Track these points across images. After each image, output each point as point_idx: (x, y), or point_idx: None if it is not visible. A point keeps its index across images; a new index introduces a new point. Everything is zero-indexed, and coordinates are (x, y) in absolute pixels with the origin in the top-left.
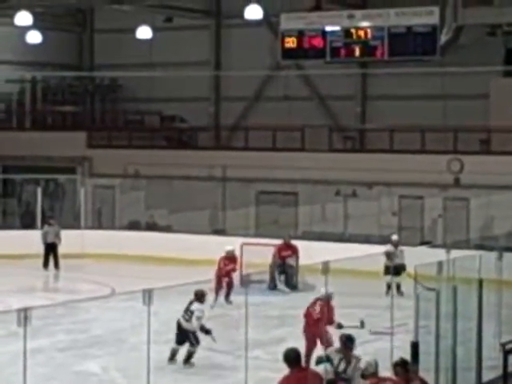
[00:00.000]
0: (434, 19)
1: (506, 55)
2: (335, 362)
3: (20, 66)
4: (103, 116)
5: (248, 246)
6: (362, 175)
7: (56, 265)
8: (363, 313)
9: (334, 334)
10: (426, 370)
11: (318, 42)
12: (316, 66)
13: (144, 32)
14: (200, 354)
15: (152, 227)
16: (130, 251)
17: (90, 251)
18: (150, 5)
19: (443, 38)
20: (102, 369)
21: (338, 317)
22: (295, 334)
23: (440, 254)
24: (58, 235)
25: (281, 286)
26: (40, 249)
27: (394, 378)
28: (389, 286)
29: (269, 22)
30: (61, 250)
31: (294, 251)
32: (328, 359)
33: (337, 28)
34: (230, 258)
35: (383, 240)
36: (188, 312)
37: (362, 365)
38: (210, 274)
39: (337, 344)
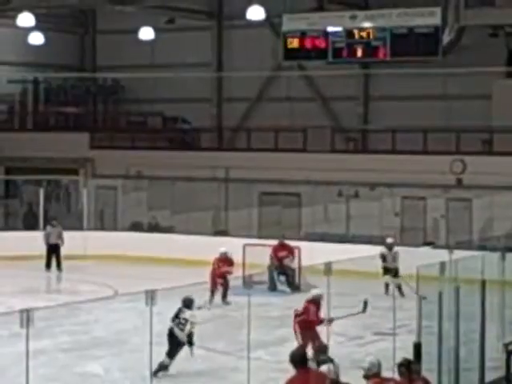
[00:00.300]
0: (436, 20)
1: (508, 56)
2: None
3: (22, 67)
4: (105, 117)
5: (250, 247)
6: (365, 176)
7: (58, 266)
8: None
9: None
10: (428, 371)
11: (320, 43)
12: (318, 67)
13: (146, 33)
14: (202, 354)
15: (154, 228)
16: (132, 252)
17: (93, 252)
18: (152, 6)
19: (445, 38)
20: (105, 370)
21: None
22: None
23: (442, 255)
24: (60, 236)
25: (281, 286)
26: (42, 250)
27: (396, 378)
28: (387, 286)
29: (271, 22)
30: (63, 251)
31: (290, 251)
32: (330, 360)
33: (339, 29)
34: (224, 259)
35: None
36: (181, 320)
37: (365, 365)
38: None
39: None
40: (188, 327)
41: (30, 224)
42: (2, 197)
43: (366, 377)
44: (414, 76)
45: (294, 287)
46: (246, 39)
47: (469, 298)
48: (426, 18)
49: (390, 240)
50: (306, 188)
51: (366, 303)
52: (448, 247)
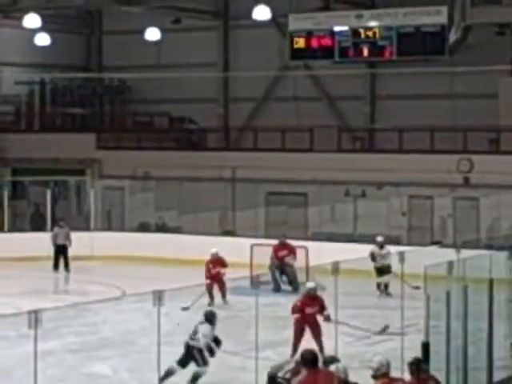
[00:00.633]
0: (443, 19)
1: None
2: (284, 369)
3: (29, 68)
4: (112, 118)
5: (258, 247)
6: (372, 175)
7: (66, 267)
8: (372, 313)
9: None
10: (436, 370)
11: (326, 42)
12: (324, 67)
13: (152, 33)
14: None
15: (162, 229)
16: (139, 253)
17: (100, 253)
18: (158, 6)
19: (452, 37)
20: (113, 370)
21: (346, 317)
22: (305, 335)
23: (450, 254)
24: (68, 237)
25: (285, 286)
26: (50, 251)
27: (405, 378)
28: (379, 286)
29: (277, 22)
30: (71, 251)
31: (291, 250)
32: (336, 359)
33: (345, 28)
34: (216, 260)
35: (393, 240)
36: (196, 333)
37: (374, 365)
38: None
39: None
40: (201, 339)
41: (38, 225)
42: (9, 198)
43: (375, 377)
44: (421, 75)
45: (295, 286)
46: (252, 39)
47: (477, 297)
48: (433, 17)
49: (379, 238)
50: (313, 188)
51: (385, 328)
52: (455, 246)
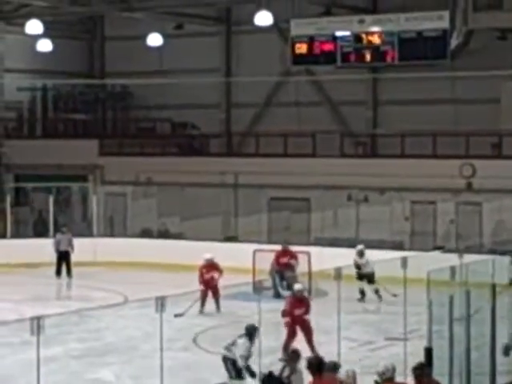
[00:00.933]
0: (445, 23)
1: None
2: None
3: (31, 74)
4: (114, 123)
5: (260, 253)
6: (374, 180)
7: (69, 273)
8: (375, 318)
9: None
10: (439, 375)
11: (328, 48)
12: (326, 72)
13: (154, 39)
14: (213, 361)
15: (164, 235)
16: (142, 259)
17: (103, 259)
18: (160, 12)
19: (453, 42)
20: (116, 376)
21: (349, 323)
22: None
23: (453, 259)
24: (70, 243)
25: (284, 291)
26: (53, 257)
27: (409, 383)
28: (363, 293)
29: (279, 28)
30: (73, 257)
31: (293, 256)
32: (338, 365)
33: (347, 33)
34: (209, 265)
35: (396, 245)
36: (233, 344)
37: (380, 369)
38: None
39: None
40: (236, 353)
41: (40, 231)
42: (12, 204)
43: (379, 382)
44: (423, 80)
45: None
46: (254, 45)
47: (479, 302)
48: (434, 22)
49: (359, 247)
50: (316, 193)
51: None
52: (458, 251)
